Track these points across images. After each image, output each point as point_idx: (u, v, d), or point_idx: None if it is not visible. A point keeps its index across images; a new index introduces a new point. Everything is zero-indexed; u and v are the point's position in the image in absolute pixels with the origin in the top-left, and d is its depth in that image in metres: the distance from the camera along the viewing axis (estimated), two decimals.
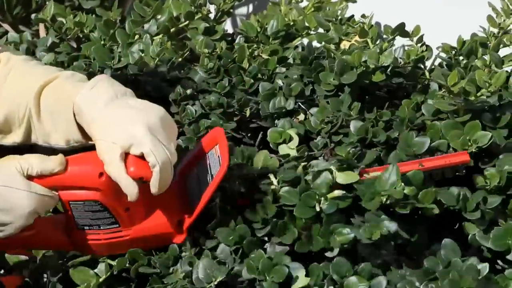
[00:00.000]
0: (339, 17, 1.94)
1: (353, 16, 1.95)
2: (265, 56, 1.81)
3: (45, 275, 1.50)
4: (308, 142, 1.61)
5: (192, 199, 1.37)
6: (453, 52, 1.84)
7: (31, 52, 1.88)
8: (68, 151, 1.35)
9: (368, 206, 1.39)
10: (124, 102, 1.30)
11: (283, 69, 1.78)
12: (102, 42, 1.88)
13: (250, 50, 1.82)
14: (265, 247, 1.42)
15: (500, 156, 1.50)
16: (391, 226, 1.38)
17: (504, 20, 1.87)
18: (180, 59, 1.83)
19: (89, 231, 1.33)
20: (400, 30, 1.86)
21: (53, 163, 1.28)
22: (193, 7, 1.93)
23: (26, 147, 1.41)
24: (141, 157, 1.25)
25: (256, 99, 1.69)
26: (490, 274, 1.38)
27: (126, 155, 1.25)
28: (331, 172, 1.42)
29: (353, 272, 1.36)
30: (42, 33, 2.16)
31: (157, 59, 1.79)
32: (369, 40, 1.85)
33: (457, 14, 2.11)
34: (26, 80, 1.38)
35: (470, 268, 1.36)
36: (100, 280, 1.40)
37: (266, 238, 1.43)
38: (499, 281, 1.39)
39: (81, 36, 1.96)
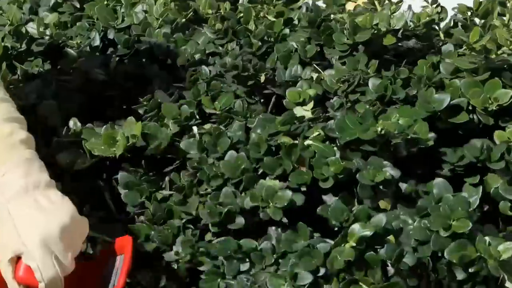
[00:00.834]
0: None
1: None
2: (270, 17, 1.76)
3: None
4: (323, 104, 1.57)
5: None
6: (469, 13, 1.79)
7: (34, 11, 1.84)
8: None
9: (363, 137, 1.39)
10: (32, 199, 1.21)
11: (289, 32, 1.72)
12: (106, 2, 1.84)
13: (255, 11, 1.77)
14: None
15: None
16: (394, 172, 1.37)
17: None
18: (183, 20, 1.78)
19: None
20: None
21: None
22: None
23: None
24: None
25: (270, 66, 1.65)
26: None
27: (19, 258, 1.20)
28: None
29: (353, 217, 1.35)
30: None
31: (161, 19, 1.75)
32: (376, 2, 1.80)
33: None
34: None
35: (460, 201, 1.34)
36: None
37: None
38: None
39: None
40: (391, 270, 1.34)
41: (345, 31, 1.63)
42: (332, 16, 1.71)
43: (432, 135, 1.42)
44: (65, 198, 1.23)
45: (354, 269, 1.33)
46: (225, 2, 1.80)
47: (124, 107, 1.66)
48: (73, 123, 1.57)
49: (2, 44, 1.75)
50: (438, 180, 1.40)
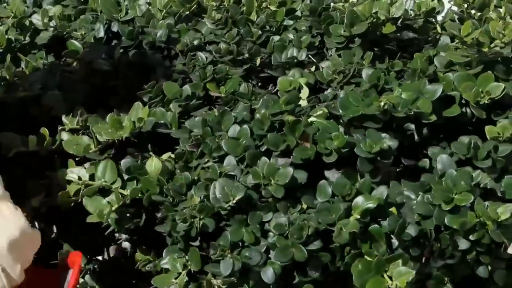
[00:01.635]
0: None
1: None
2: (273, 7, 1.79)
3: None
4: (316, 94, 1.59)
5: None
6: (465, 5, 1.82)
7: (37, 4, 1.86)
8: None
9: (366, 112, 1.40)
10: None
11: (291, 22, 1.75)
12: None
13: (258, 2, 1.80)
14: None
15: None
16: (391, 142, 1.39)
17: None
18: (187, 12, 1.81)
19: None
20: None
21: None
22: None
23: None
24: None
25: (266, 51, 1.67)
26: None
27: None
28: None
29: (355, 191, 1.36)
30: None
31: (164, 11, 1.77)
32: None
33: None
34: None
35: (463, 175, 1.36)
36: (113, 208, 1.41)
37: None
38: None
39: None
40: (395, 242, 1.35)
41: (344, 21, 1.66)
42: (332, 4, 1.74)
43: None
44: (18, 211, 1.25)
45: (359, 242, 1.34)
46: None
47: (127, 96, 1.67)
48: (79, 112, 1.59)
49: (6, 36, 1.77)
50: (442, 156, 1.41)
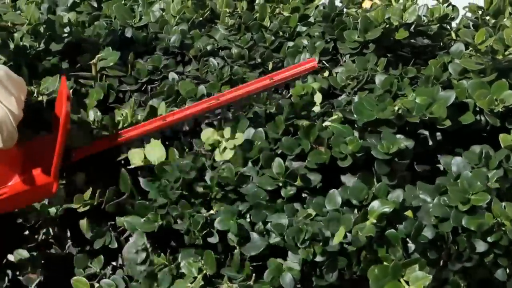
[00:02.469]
0: None
1: None
2: (286, 13, 1.79)
3: None
4: (330, 100, 1.60)
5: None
6: (480, 12, 1.81)
7: (52, 11, 1.87)
8: None
9: (381, 116, 1.41)
10: None
11: (304, 28, 1.76)
12: (123, 1, 1.86)
13: (271, 8, 1.80)
14: None
15: None
16: (408, 142, 1.39)
17: None
18: (200, 19, 1.81)
19: None
20: None
21: None
22: None
23: None
24: None
25: (279, 56, 1.68)
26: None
27: None
28: None
29: (372, 195, 1.36)
30: None
31: (178, 17, 1.77)
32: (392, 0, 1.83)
33: None
34: None
35: (479, 175, 1.35)
36: None
37: None
38: None
39: None
40: (411, 246, 1.34)
41: (357, 27, 1.66)
42: (345, 10, 1.74)
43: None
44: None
45: (375, 246, 1.34)
46: (241, 1, 1.83)
47: (141, 100, 1.68)
48: (94, 113, 1.59)
49: (21, 43, 1.77)
50: (457, 158, 1.41)
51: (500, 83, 1.48)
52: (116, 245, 1.54)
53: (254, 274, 1.35)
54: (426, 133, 1.46)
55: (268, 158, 1.41)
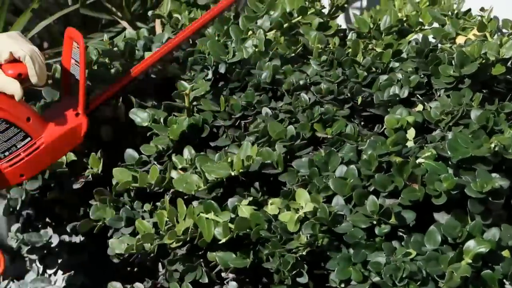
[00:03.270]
0: (455, 11, 1.90)
1: (470, 10, 1.90)
2: (379, 49, 1.79)
3: None
4: (423, 134, 1.58)
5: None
6: None
7: (147, 48, 1.92)
8: None
9: (476, 153, 1.39)
10: None
11: (397, 64, 1.75)
12: (217, 38, 1.89)
13: (364, 44, 1.80)
14: None
15: None
16: (503, 182, 1.36)
17: None
18: (293, 55, 1.82)
19: (10, 156, 1.47)
20: None
21: None
22: (306, 2, 1.92)
23: None
24: (12, 61, 1.41)
25: (369, 90, 1.67)
26: None
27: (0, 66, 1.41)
28: None
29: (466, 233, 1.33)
30: (158, 29, 2.21)
31: (271, 53, 1.79)
32: (487, 34, 1.80)
33: None
34: None
35: None
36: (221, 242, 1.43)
37: None
38: None
39: None
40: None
41: (452, 62, 1.64)
42: (439, 45, 1.72)
43: None
44: None
45: (471, 287, 1.31)
46: (334, 37, 1.83)
47: (234, 136, 1.69)
48: (188, 151, 1.62)
49: None
50: None
51: None
52: (206, 280, 1.55)
53: None
54: None
55: (361, 196, 1.40)
